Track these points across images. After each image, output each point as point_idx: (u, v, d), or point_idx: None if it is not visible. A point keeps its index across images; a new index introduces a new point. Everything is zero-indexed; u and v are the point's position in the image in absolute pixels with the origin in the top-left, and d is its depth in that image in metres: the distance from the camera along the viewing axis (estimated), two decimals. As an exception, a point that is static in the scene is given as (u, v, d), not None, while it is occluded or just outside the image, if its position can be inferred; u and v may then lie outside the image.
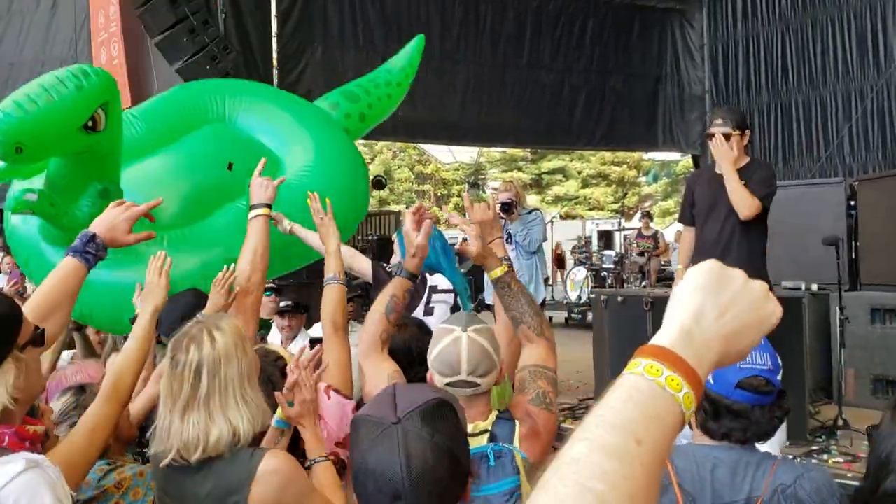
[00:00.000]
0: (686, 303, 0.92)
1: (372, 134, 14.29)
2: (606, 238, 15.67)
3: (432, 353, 2.22)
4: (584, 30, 12.27)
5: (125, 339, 2.63)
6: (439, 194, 34.65)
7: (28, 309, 2.11)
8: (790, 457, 4.69)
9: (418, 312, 3.76)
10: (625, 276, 12.40)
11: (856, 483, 4.32)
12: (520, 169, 32.57)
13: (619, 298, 6.31)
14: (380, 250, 12.29)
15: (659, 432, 0.82)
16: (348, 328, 2.96)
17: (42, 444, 1.93)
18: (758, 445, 2.09)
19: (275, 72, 9.88)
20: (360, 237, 14.20)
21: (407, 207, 31.10)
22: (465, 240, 2.56)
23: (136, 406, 2.82)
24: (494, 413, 2.20)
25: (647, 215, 14.18)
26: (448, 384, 2.16)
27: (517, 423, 2.18)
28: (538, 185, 33.13)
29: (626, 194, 31.10)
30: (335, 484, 2.26)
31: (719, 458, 2.01)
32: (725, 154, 4.71)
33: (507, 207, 6.18)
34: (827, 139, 11.01)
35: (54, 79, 3.58)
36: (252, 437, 2.16)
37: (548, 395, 2.22)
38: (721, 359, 0.92)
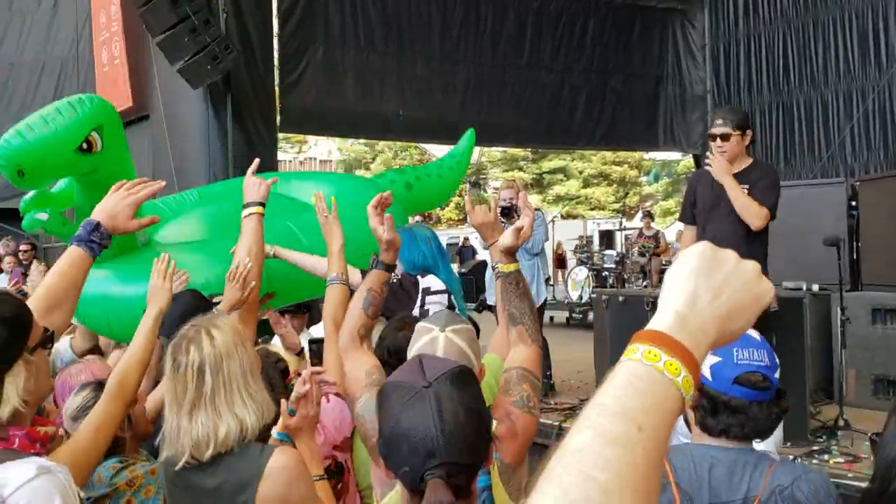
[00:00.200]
0: (680, 286, 0.93)
1: (373, 133, 14.37)
2: (607, 238, 15.65)
3: (410, 351, 2.23)
4: (585, 30, 12.27)
5: None
6: (440, 194, 34.64)
7: (35, 300, 2.13)
8: (791, 457, 4.69)
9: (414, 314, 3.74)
10: (626, 276, 12.39)
11: (857, 483, 4.33)
12: (521, 169, 32.56)
13: (621, 298, 6.31)
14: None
15: (659, 417, 0.82)
16: None
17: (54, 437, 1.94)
18: (754, 445, 2.10)
19: (276, 71, 9.88)
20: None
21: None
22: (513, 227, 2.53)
23: (152, 402, 2.82)
24: None
25: (649, 215, 14.17)
26: None
27: (495, 422, 2.17)
28: (539, 184, 33.12)
29: (627, 194, 31.09)
30: (330, 501, 2.28)
31: (716, 458, 2.02)
32: (724, 170, 4.70)
33: (507, 212, 6.13)
34: (828, 139, 11.01)
35: (53, 109, 3.94)
36: (259, 430, 2.19)
37: (531, 398, 2.20)
38: (717, 340, 0.92)
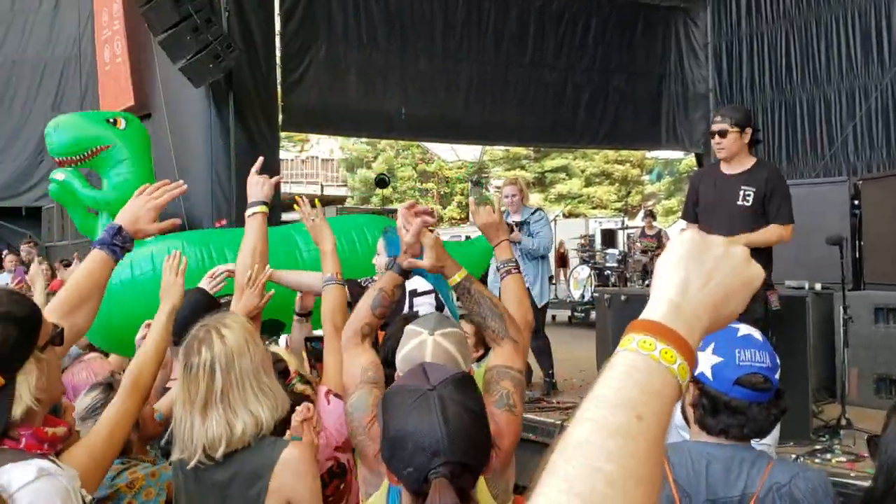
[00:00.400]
0: (671, 274, 0.94)
1: (376, 132, 14.38)
2: (609, 237, 15.62)
3: (399, 353, 2.23)
4: (588, 28, 12.27)
5: None
6: (442, 193, 34.59)
7: (57, 302, 2.18)
8: (793, 456, 4.69)
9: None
10: (628, 275, 12.39)
11: (859, 483, 4.32)
12: (523, 167, 32.50)
13: (623, 297, 6.31)
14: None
15: (659, 406, 0.83)
16: None
17: (66, 438, 1.93)
18: (753, 444, 2.10)
19: (278, 70, 9.88)
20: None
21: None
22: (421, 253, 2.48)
23: (166, 404, 2.82)
24: None
25: (651, 214, 14.14)
26: None
27: None
28: (541, 183, 33.07)
29: (629, 193, 31.04)
30: None
31: (714, 455, 2.03)
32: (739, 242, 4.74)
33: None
34: (831, 138, 11.00)
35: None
36: (274, 424, 2.21)
37: (511, 396, 2.19)
38: (710, 325, 0.93)
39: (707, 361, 2.05)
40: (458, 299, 2.54)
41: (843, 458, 4.78)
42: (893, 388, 6.05)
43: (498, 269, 2.78)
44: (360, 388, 2.23)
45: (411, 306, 3.72)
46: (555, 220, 15.08)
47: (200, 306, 2.91)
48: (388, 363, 2.42)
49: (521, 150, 31.25)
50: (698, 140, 12.56)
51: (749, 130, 4.90)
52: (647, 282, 10.31)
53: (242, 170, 8.30)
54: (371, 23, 10.84)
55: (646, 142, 14.05)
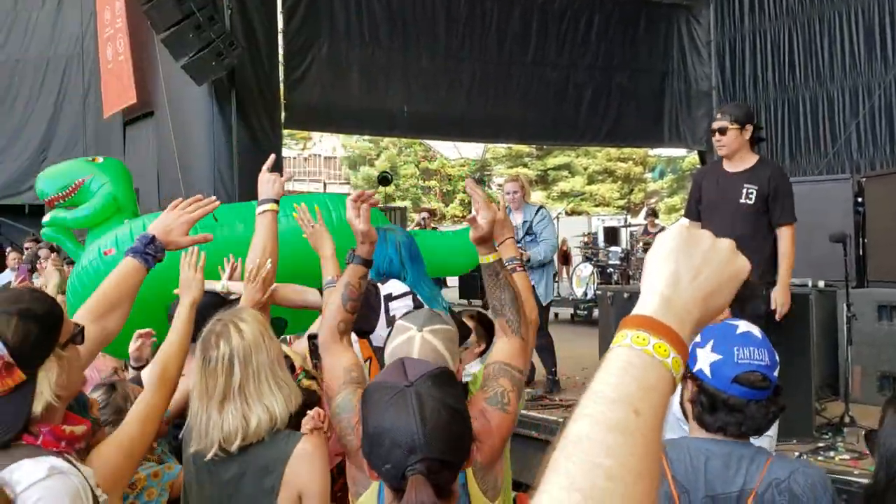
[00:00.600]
0: (661, 268, 0.95)
1: (378, 130, 14.37)
2: (612, 234, 15.61)
3: (388, 348, 2.22)
4: (590, 25, 12.25)
5: None
6: (444, 190, 34.61)
7: (89, 307, 2.25)
8: (796, 454, 4.69)
9: (381, 324, 3.63)
10: (631, 273, 12.38)
11: (862, 480, 4.31)
12: (525, 165, 32.49)
13: (626, 295, 6.30)
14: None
15: (655, 400, 0.85)
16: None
17: (88, 436, 1.97)
18: (751, 440, 2.11)
19: (280, 68, 9.88)
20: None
21: (413, 204, 31.10)
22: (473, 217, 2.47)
23: (174, 403, 2.82)
24: None
25: (653, 212, 14.15)
26: None
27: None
28: (544, 181, 33.07)
29: (632, 191, 31.01)
30: None
31: (712, 451, 2.03)
32: (783, 302, 4.83)
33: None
34: (834, 135, 10.97)
35: None
36: (288, 418, 2.25)
37: (507, 394, 2.18)
38: (700, 318, 0.94)
39: (706, 359, 2.06)
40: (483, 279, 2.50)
41: (846, 456, 4.78)
42: (896, 386, 6.04)
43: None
44: (345, 389, 2.22)
45: (387, 310, 3.66)
46: (557, 217, 15.07)
47: (210, 304, 2.92)
48: None
49: (524, 148, 31.25)
50: (701, 138, 12.53)
51: (750, 127, 4.90)
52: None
53: (245, 167, 8.37)
54: (373, 20, 10.84)
55: (648, 139, 14.03)
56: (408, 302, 3.64)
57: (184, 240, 2.56)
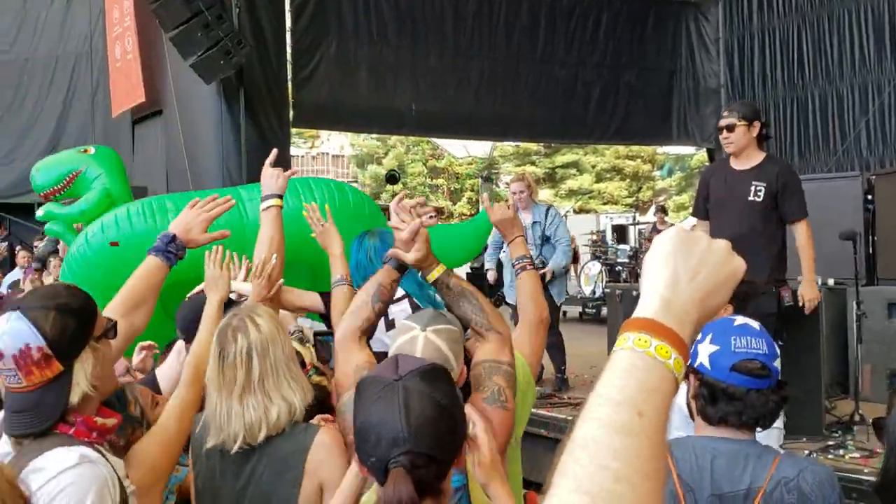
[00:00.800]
0: (660, 271, 0.97)
1: (386, 128, 14.38)
2: (621, 232, 15.58)
3: (391, 349, 2.23)
4: (599, 23, 12.23)
5: None
6: (452, 189, 34.56)
7: (116, 304, 2.37)
8: (806, 452, 4.67)
9: (380, 328, 3.62)
10: (639, 271, 12.33)
11: (872, 478, 4.29)
12: (533, 163, 32.41)
13: (634, 293, 6.29)
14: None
15: (658, 401, 0.87)
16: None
17: (125, 432, 2.06)
18: (756, 437, 2.10)
19: (289, 66, 9.89)
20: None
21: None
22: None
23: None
24: None
25: (663, 210, 14.13)
26: None
27: (471, 423, 2.17)
28: (552, 179, 32.98)
29: (640, 189, 30.92)
30: None
31: (718, 449, 2.03)
32: (812, 300, 4.83)
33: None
34: (843, 133, 10.93)
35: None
36: (304, 411, 2.28)
37: (503, 391, 2.17)
38: (699, 318, 0.96)
39: (705, 351, 2.07)
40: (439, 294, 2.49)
41: (856, 454, 4.76)
42: (907, 384, 6.02)
43: (513, 265, 2.78)
44: (353, 388, 2.22)
45: (387, 315, 3.67)
46: (565, 215, 15.06)
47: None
48: None
49: (532, 146, 31.17)
50: (710, 135, 12.49)
51: (757, 124, 4.90)
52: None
53: (253, 166, 8.36)
54: (381, 19, 10.84)
55: (657, 137, 14.01)
56: (405, 306, 3.64)
57: (203, 237, 2.66)
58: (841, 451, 4.83)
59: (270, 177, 3.18)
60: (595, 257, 13.93)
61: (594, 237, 15.39)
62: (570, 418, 5.78)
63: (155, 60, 9.95)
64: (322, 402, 2.58)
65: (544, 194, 30.37)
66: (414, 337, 2.16)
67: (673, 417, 0.90)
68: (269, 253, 3.04)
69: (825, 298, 5.46)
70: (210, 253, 2.84)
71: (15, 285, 8.82)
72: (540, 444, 5.60)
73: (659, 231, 12.77)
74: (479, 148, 32.02)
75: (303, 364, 2.79)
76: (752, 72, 12.17)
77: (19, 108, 14.18)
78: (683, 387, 1.94)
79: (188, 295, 3.10)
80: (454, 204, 33.06)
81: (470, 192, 33.37)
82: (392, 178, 16.43)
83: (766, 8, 11.89)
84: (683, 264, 0.97)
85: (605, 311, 10.71)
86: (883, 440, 2.06)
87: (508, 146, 31.80)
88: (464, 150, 32.36)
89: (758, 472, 1.97)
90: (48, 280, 8.10)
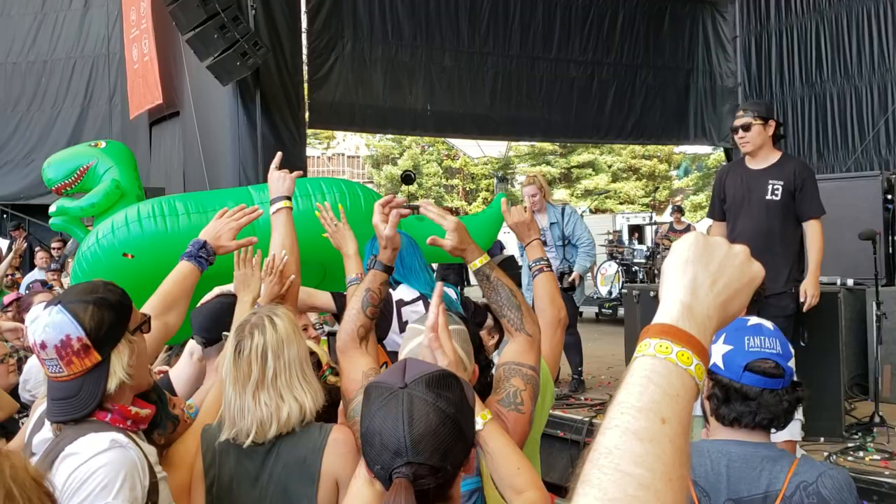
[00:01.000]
0: (679, 277, 0.98)
1: (401, 129, 14.39)
2: (637, 232, 15.54)
3: (401, 352, 2.22)
4: (615, 22, 12.20)
5: None
6: (468, 189, 34.62)
7: (151, 305, 2.51)
8: (826, 454, 4.63)
9: (394, 329, 3.62)
10: (656, 271, 12.30)
11: (893, 481, 4.26)
12: (548, 163, 32.39)
13: (651, 293, 6.26)
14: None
15: (680, 407, 0.87)
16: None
17: (166, 430, 2.25)
18: (771, 438, 2.08)
19: (304, 67, 9.91)
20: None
21: (436, 203, 31.12)
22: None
23: (199, 398, 2.83)
24: None
25: (679, 209, 14.06)
26: None
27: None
28: (567, 178, 32.97)
29: (657, 188, 30.85)
30: None
31: (733, 453, 2.01)
32: (814, 296, 4.72)
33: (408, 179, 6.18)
34: (862, 132, 10.83)
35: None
36: (316, 413, 2.31)
37: (519, 394, 2.16)
38: (719, 323, 0.97)
39: (718, 351, 2.05)
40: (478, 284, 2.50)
41: (876, 457, 4.72)
42: (928, 386, 5.96)
43: (530, 268, 2.78)
44: (361, 393, 2.22)
45: (400, 317, 3.66)
46: (581, 215, 15.04)
47: (226, 307, 2.93)
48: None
49: (547, 146, 31.15)
50: (727, 135, 12.42)
51: (772, 123, 4.88)
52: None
53: (269, 167, 8.39)
54: (396, 19, 10.85)
55: (674, 136, 13.94)
56: (419, 307, 3.64)
57: (231, 244, 2.84)
58: (861, 453, 4.79)
59: (277, 179, 3.17)
60: (612, 257, 13.89)
61: (611, 237, 15.35)
62: (586, 419, 5.77)
63: (172, 62, 10.01)
64: (336, 404, 2.57)
65: (560, 194, 30.35)
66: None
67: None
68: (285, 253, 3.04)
69: (845, 299, 5.41)
70: (241, 254, 2.93)
71: (32, 286, 8.88)
72: (556, 445, 5.59)
73: (675, 231, 12.74)
74: (495, 148, 32.03)
75: (319, 365, 2.79)
76: (769, 70, 12.09)
77: (38, 110, 14.31)
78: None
79: (203, 299, 3.11)
80: (469, 204, 33.08)
81: (485, 193, 33.39)
82: (407, 178, 16.44)
83: (783, 6, 11.81)
84: (703, 270, 0.97)
85: (621, 311, 10.69)
86: None
87: (524, 146, 31.79)
88: (479, 151, 32.37)
89: (775, 475, 1.95)
90: (66, 281, 8.15)
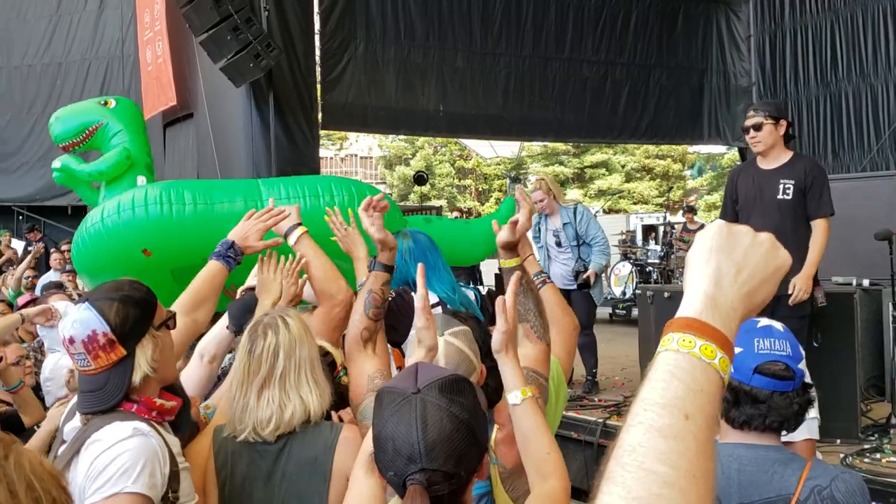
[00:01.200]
0: (703, 267, 0.96)
1: (414, 130, 14.40)
2: (651, 232, 15.49)
3: (409, 358, 2.23)
4: (628, 22, 12.17)
5: None
6: (480, 189, 34.60)
7: (181, 302, 2.62)
8: (841, 455, 4.61)
9: (413, 333, 3.59)
10: (671, 270, 12.26)
11: (910, 483, 4.23)
12: (561, 163, 32.35)
13: (666, 294, 6.24)
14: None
15: (705, 402, 0.86)
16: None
17: (185, 435, 2.28)
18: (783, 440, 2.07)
19: (317, 68, 9.93)
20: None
21: (448, 203, 31.11)
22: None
23: (216, 399, 2.84)
24: None
25: (690, 209, 13.99)
26: None
27: (496, 427, 2.17)
28: (581, 179, 32.90)
29: (670, 188, 30.72)
30: None
31: (744, 457, 2.00)
32: (804, 290, 4.64)
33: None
34: (878, 131, 10.76)
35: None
36: (323, 414, 2.33)
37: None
38: (745, 314, 0.95)
39: None
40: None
41: (893, 458, 4.69)
42: (944, 387, 5.91)
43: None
44: (369, 397, 2.22)
45: None
46: (595, 215, 15.00)
47: (252, 303, 2.95)
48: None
49: (560, 146, 31.10)
50: (741, 134, 12.36)
51: (784, 123, 4.88)
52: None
53: (283, 167, 8.42)
54: (409, 20, 10.86)
55: (687, 136, 13.89)
56: (437, 311, 3.62)
57: (259, 244, 2.94)
58: (878, 455, 4.76)
59: (281, 219, 3.06)
60: (625, 258, 13.84)
61: (624, 237, 15.31)
62: (600, 420, 5.75)
63: (185, 64, 10.04)
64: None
65: (573, 194, 30.26)
66: None
67: None
68: (326, 274, 3.00)
69: (860, 299, 5.37)
70: (264, 258, 3.00)
71: (48, 287, 8.92)
72: (569, 447, 5.58)
73: (689, 231, 12.69)
74: (507, 148, 32.00)
75: (333, 365, 2.79)
76: (783, 70, 12.03)
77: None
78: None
79: (240, 289, 3.24)
80: (482, 204, 33.07)
81: (498, 193, 33.36)
82: (420, 179, 16.46)
83: (797, 4, 11.74)
84: (727, 260, 0.95)
85: (635, 312, 10.65)
86: None
87: (536, 146, 31.75)
88: (492, 151, 32.35)
89: (786, 479, 1.93)
90: (81, 282, 8.19)
